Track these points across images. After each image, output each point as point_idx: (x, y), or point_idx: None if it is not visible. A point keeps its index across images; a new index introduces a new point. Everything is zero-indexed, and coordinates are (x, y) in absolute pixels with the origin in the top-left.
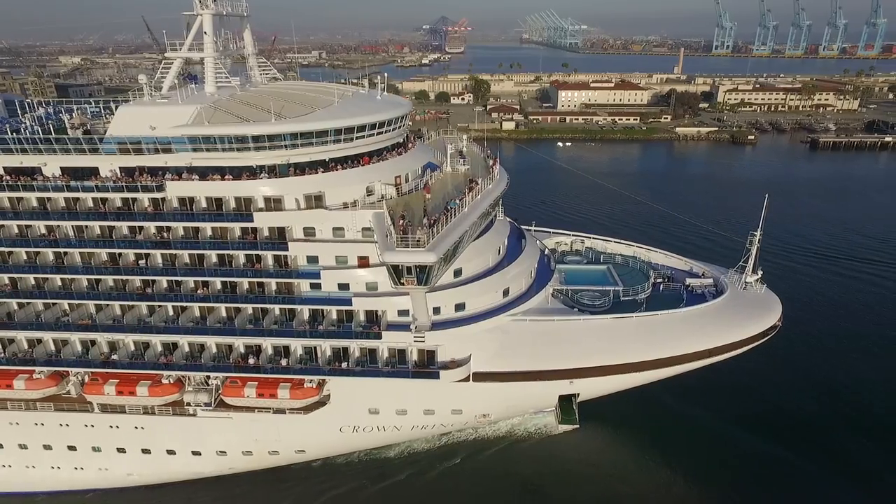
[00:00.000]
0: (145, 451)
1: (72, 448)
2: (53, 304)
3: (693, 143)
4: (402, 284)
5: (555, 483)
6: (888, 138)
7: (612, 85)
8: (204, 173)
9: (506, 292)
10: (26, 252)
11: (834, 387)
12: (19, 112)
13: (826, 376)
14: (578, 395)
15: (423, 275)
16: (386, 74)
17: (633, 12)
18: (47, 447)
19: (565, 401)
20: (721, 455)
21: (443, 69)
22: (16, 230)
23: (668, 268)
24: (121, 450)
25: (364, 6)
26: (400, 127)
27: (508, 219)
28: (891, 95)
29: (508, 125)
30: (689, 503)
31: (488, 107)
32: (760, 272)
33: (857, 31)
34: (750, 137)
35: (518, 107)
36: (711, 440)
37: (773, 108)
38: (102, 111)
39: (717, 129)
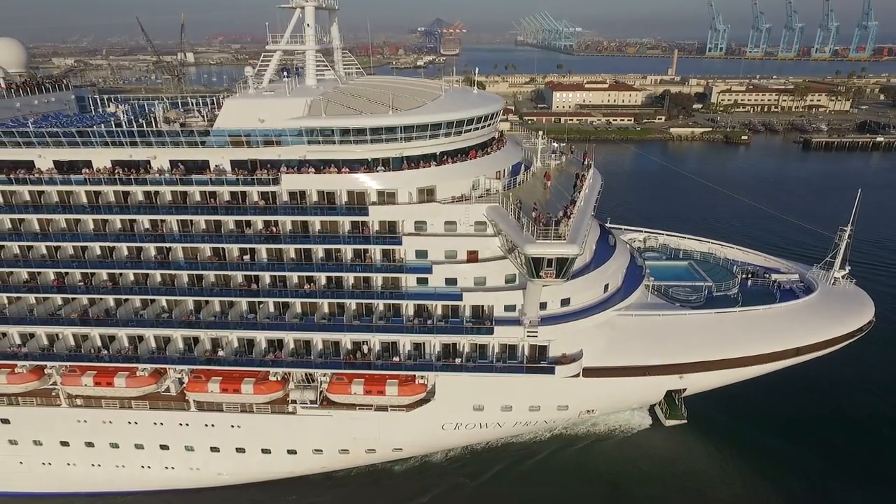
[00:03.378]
0: (239, 451)
1: (164, 447)
2: (153, 300)
3: (687, 144)
4: (541, 277)
5: (639, 482)
6: (880, 138)
7: (606, 86)
8: (318, 166)
9: (606, 287)
10: (127, 247)
11: None
12: (91, 108)
13: None
14: (685, 390)
15: (562, 267)
16: (476, 69)
17: (627, 15)
18: (139, 446)
19: (668, 396)
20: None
21: (438, 71)
22: (119, 225)
23: (746, 263)
24: (214, 449)
25: (359, 8)
26: (496, 122)
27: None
28: (882, 97)
29: (503, 125)
30: None
31: None
32: (848, 268)
33: (849, 34)
34: (743, 138)
35: (513, 108)
36: (801, 445)
37: (766, 109)
38: (180, 107)
39: (710, 129)
